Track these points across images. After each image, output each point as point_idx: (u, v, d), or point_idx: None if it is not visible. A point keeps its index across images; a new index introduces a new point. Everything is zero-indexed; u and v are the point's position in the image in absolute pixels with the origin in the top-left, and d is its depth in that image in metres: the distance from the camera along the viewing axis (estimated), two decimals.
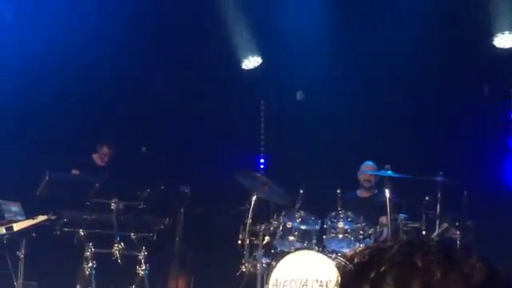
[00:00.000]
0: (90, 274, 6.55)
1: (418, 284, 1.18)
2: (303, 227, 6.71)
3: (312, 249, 6.53)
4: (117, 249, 6.73)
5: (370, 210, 7.03)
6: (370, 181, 7.63)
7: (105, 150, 8.02)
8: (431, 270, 1.19)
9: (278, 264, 6.39)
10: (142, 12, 8.19)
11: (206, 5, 8.09)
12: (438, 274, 1.18)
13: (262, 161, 8.32)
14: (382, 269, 1.21)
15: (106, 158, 8.03)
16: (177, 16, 8.21)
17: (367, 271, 1.23)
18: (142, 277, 6.68)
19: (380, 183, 7.20)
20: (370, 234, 6.62)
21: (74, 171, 7.84)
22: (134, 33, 8.24)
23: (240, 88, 8.42)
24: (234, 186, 6.93)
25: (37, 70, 8.04)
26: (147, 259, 6.76)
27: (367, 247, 1.28)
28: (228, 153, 8.06)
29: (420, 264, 1.19)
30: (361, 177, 7.66)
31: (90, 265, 6.55)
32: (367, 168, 7.61)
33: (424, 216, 6.79)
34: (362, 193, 7.72)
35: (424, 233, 6.68)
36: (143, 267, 6.72)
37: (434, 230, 6.68)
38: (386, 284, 1.19)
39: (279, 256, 6.47)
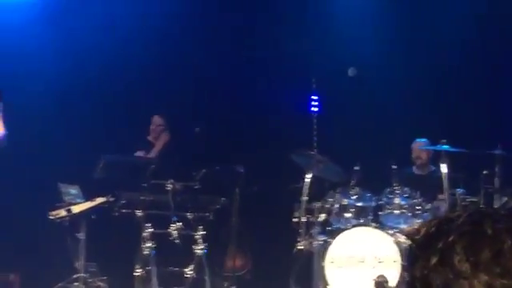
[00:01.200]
0: (148, 254, 6.64)
1: (488, 252, 1.16)
2: (359, 204, 6.68)
3: (369, 225, 6.50)
4: (174, 229, 6.80)
5: (427, 187, 6.95)
6: (421, 158, 7.53)
7: (157, 120, 8.03)
8: (501, 238, 1.17)
9: (335, 241, 6.39)
10: None
11: None
12: (509, 241, 1.16)
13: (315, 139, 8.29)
14: (451, 238, 1.19)
15: (160, 129, 8.02)
16: None
17: (435, 242, 1.21)
18: (200, 256, 6.74)
19: (436, 158, 7.11)
20: (428, 210, 6.55)
21: (139, 152, 7.92)
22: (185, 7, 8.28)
23: (291, 65, 8.38)
24: (288, 164, 6.92)
25: (89, 50, 8.11)
26: (204, 239, 6.81)
27: (434, 219, 1.26)
28: (282, 131, 8.05)
29: (490, 232, 1.17)
30: (413, 154, 7.57)
31: (149, 245, 6.64)
32: (418, 145, 7.52)
33: (482, 190, 6.69)
34: (417, 169, 7.63)
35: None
36: (200, 247, 6.78)
37: (493, 205, 6.57)
38: (456, 253, 1.17)
39: (335, 233, 6.47)
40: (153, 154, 7.96)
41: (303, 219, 6.66)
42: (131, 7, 8.11)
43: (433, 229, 1.24)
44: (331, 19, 8.51)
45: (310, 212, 6.69)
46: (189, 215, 7.03)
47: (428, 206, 6.57)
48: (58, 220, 6.83)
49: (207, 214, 7.17)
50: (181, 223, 6.86)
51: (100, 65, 8.17)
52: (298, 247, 6.65)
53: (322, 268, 6.34)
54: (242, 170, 7.38)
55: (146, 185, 7.17)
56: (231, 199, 7.46)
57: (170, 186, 6.97)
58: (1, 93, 3.83)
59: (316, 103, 7.64)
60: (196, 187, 7.26)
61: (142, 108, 8.21)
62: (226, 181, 7.38)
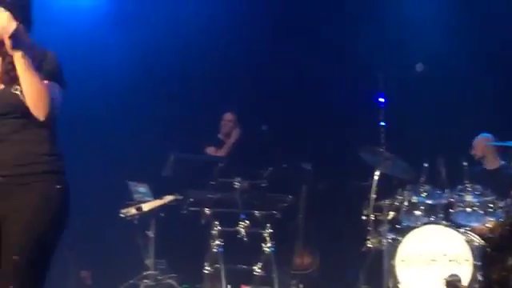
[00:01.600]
0: (217, 252, 6.68)
1: None
2: (429, 201, 6.57)
3: (439, 223, 6.39)
4: (242, 227, 6.82)
5: (498, 182, 6.79)
6: (477, 154, 7.35)
7: (228, 116, 8.05)
8: None
9: (405, 239, 6.31)
10: None
11: None
12: None
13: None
14: None
15: (231, 125, 8.05)
16: None
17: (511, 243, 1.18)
18: (268, 254, 6.75)
19: (507, 153, 6.96)
20: (500, 207, 6.40)
21: (209, 148, 7.97)
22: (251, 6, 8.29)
23: (358, 61, 8.31)
24: (356, 161, 6.86)
25: (157, 49, 8.19)
26: (272, 236, 6.81)
27: (508, 218, 1.23)
28: (349, 127, 7.99)
29: None
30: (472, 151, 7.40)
31: (217, 243, 6.68)
32: (480, 141, 7.35)
33: None
34: (487, 164, 7.47)
35: None
36: (268, 244, 6.78)
37: None
38: None
39: (405, 231, 6.38)
40: (224, 150, 8.00)
41: (372, 217, 6.59)
42: (198, 7, 8.15)
43: (508, 228, 1.21)
44: (399, 15, 8.40)
45: (378, 210, 6.62)
46: (256, 213, 7.04)
47: (501, 204, 6.42)
48: (129, 218, 6.94)
49: (275, 212, 7.17)
50: (248, 221, 6.88)
51: (168, 63, 8.24)
52: (367, 245, 6.58)
53: (393, 267, 6.26)
54: (310, 168, 7.36)
55: (214, 183, 7.21)
56: (298, 197, 7.44)
57: (237, 184, 7.00)
58: (65, 83, 3.86)
59: (383, 100, 7.56)
60: (263, 185, 7.27)
61: (211, 105, 8.25)
62: (293, 179, 7.37)
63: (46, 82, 3.58)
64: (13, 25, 3.56)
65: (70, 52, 7.00)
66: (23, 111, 3.61)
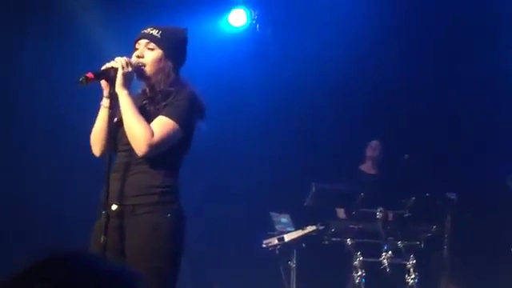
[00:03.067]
0: (359, 283, 6.60)
1: None
2: None
3: None
4: (385, 257, 6.72)
5: None
6: None
7: (373, 144, 7.95)
8: None
9: None
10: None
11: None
12: None
13: None
14: None
15: (377, 153, 7.96)
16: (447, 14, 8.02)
17: None
18: (412, 285, 6.59)
19: None
20: None
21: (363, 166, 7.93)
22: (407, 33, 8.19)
23: (505, 87, 8.02)
24: (504, 189, 6.60)
25: (295, 81, 8.24)
26: (416, 268, 6.66)
27: None
28: (496, 155, 7.71)
29: None
30: None
31: (359, 274, 6.60)
32: None
33: None
34: None
35: None
36: (412, 276, 6.63)
37: None
38: None
39: None
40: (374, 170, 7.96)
41: None
42: (336, 32, 8.12)
43: None
44: None
45: None
46: (399, 244, 6.91)
47: None
48: (271, 248, 7.01)
49: (418, 243, 7.01)
50: (391, 252, 6.77)
51: (310, 87, 8.25)
52: None
53: None
54: (454, 197, 7.15)
55: (355, 213, 7.16)
56: (443, 227, 7.24)
57: (379, 214, 6.91)
58: (204, 111, 4.01)
59: None
60: (406, 215, 7.13)
61: (354, 134, 8.20)
62: (437, 208, 7.19)
63: (159, 118, 3.75)
64: (128, 66, 3.78)
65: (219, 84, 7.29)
66: None
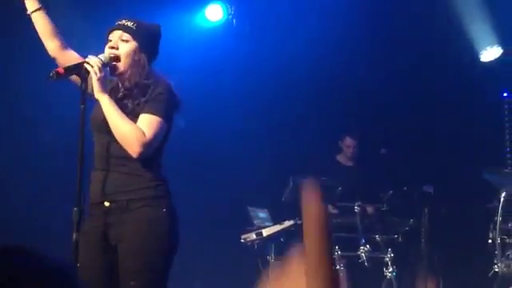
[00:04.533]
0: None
1: None
2: None
3: None
4: (363, 251, 6.75)
5: None
6: None
7: (348, 141, 7.93)
8: None
9: None
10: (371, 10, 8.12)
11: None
12: None
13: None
14: None
15: (351, 151, 7.94)
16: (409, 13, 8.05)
17: None
18: (390, 279, 6.63)
19: None
20: None
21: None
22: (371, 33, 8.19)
23: (479, 81, 8.06)
24: (480, 182, 6.64)
25: (274, 69, 8.20)
26: (394, 261, 6.69)
27: None
28: (473, 148, 7.75)
29: None
30: None
31: (338, 267, 6.61)
32: None
33: None
34: None
35: None
36: (390, 269, 6.67)
37: None
38: None
39: None
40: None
41: (498, 240, 6.35)
42: (313, 27, 8.12)
43: None
44: None
45: (505, 233, 6.37)
46: (377, 237, 6.94)
47: None
48: (249, 243, 7.00)
49: (396, 236, 7.05)
50: (369, 246, 6.79)
51: (287, 83, 8.24)
52: (495, 270, 6.34)
53: None
54: (431, 190, 7.19)
55: (333, 207, 7.17)
56: (420, 220, 7.27)
57: (357, 208, 6.93)
58: (179, 104, 3.98)
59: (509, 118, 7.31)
60: (384, 209, 7.16)
61: (329, 127, 8.20)
62: (414, 202, 7.22)
63: (144, 116, 3.71)
64: (101, 72, 3.72)
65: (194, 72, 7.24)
66: None
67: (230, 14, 8.30)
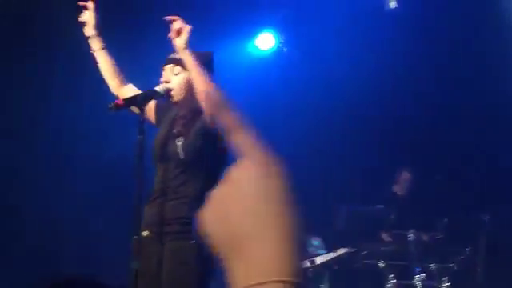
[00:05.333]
0: None
1: None
2: None
3: None
4: (418, 280, 6.66)
5: None
6: None
7: (405, 175, 7.92)
8: None
9: None
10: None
11: None
12: None
13: None
14: None
15: (406, 185, 7.91)
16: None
17: None
18: None
19: None
20: None
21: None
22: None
23: None
24: None
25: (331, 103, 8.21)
26: None
27: None
28: None
29: None
30: None
31: None
32: None
33: None
34: None
35: None
36: None
37: None
38: None
39: None
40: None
41: None
42: (365, 54, 8.10)
43: None
44: None
45: None
46: (433, 266, 6.84)
47: None
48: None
49: (451, 265, 6.94)
50: (424, 274, 6.70)
51: (338, 110, 8.22)
52: None
53: None
54: (487, 218, 7.09)
55: (388, 235, 7.11)
56: (476, 249, 7.17)
57: (412, 236, 6.86)
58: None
59: None
60: (439, 237, 7.07)
61: (384, 157, 8.15)
62: (470, 230, 7.12)
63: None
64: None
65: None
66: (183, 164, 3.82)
67: (281, 42, 8.38)
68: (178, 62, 3.98)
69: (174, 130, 3.96)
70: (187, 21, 3.82)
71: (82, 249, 7.19)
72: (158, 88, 3.97)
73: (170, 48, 3.94)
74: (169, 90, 3.98)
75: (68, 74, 7.39)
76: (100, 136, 7.26)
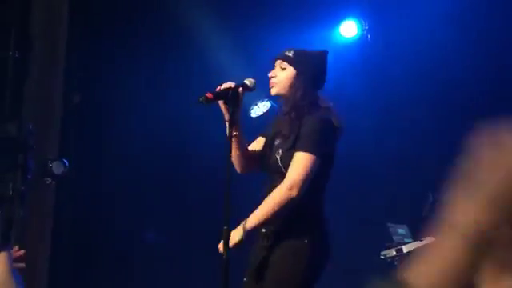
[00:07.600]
0: None
1: None
2: None
3: None
4: None
5: None
6: None
7: None
8: None
9: None
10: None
11: None
12: None
13: None
14: None
15: None
16: None
17: None
18: None
19: None
20: None
21: None
22: None
23: None
24: None
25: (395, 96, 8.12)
26: None
27: None
28: None
29: None
30: None
31: None
32: None
33: None
34: None
35: None
36: None
37: None
38: None
39: None
40: None
41: None
42: (454, 42, 7.92)
43: None
44: None
45: None
46: None
47: None
48: (389, 260, 6.93)
49: None
50: None
51: (423, 98, 8.11)
52: None
53: None
54: None
55: None
56: None
57: None
58: (337, 131, 4.13)
59: None
60: None
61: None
62: None
63: (296, 154, 3.82)
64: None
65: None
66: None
67: (365, 29, 8.34)
68: (286, 58, 4.06)
69: (276, 142, 4.02)
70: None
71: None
72: (246, 81, 4.00)
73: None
74: (271, 86, 4.07)
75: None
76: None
